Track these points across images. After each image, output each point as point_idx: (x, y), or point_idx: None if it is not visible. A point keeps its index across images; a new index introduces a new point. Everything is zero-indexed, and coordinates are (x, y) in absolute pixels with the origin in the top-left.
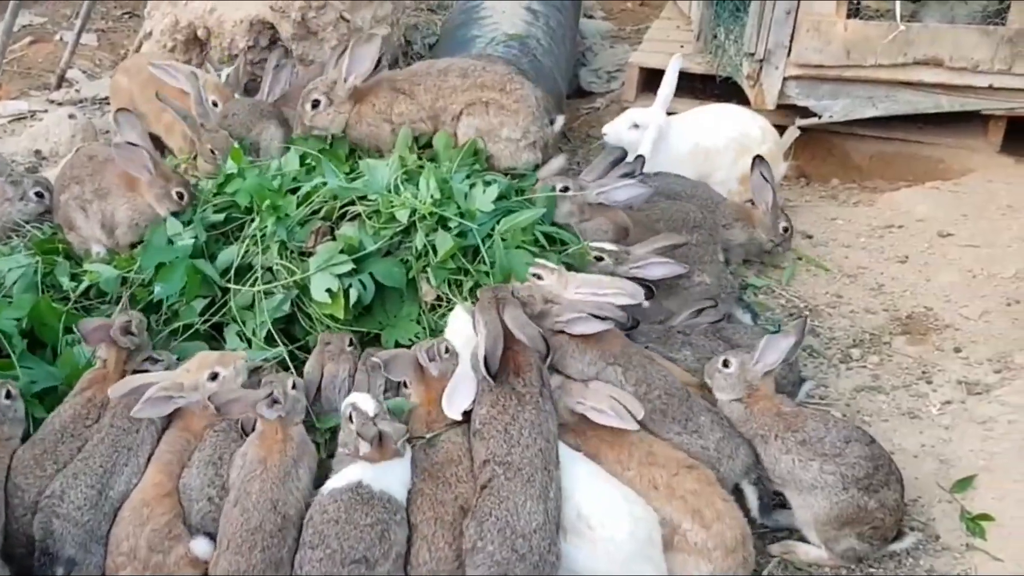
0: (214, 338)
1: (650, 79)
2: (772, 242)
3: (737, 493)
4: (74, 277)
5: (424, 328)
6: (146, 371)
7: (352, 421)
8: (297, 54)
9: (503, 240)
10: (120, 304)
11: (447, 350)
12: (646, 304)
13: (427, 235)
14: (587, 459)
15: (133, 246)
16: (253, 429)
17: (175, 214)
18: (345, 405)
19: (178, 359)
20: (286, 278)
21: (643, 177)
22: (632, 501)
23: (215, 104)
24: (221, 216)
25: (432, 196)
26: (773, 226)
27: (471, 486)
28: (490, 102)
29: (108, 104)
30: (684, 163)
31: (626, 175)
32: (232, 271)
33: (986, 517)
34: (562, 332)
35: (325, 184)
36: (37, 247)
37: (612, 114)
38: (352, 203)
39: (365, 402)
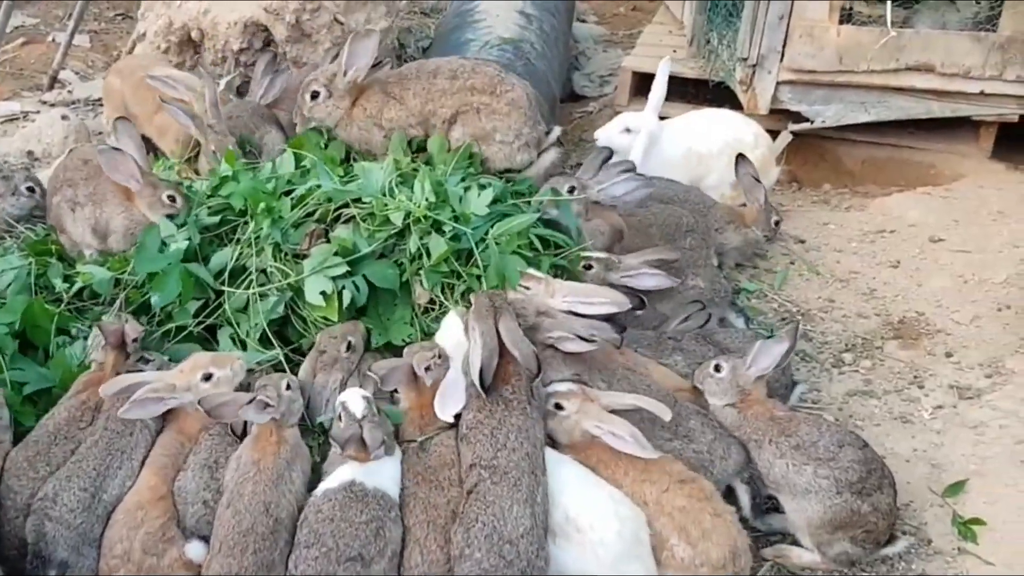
0: (207, 340)
1: (643, 83)
2: (767, 236)
3: (730, 493)
4: (67, 279)
5: (417, 330)
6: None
7: (341, 420)
8: (291, 56)
9: (497, 244)
10: (115, 307)
11: (439, 356)
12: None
13: (421, 238)
14: (573, 462)
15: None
16: (245, 432)
17: (169, 217)
18: (338, 402)
19: (169, 360)
20: (280, 280)
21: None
22: (618, 501)
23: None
24: (216, 219)
25: (427, 199)
26: (766, 221)
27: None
28: (481, 107)
29: (101, 105)
30: (677, 167)
31: (626, 171)
32: (226, 273)
33: (978, 521)
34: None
35: (319, 187)
36: (30, 248)
37: (605, 118)
38: (346, 206)
39: (355, 403)
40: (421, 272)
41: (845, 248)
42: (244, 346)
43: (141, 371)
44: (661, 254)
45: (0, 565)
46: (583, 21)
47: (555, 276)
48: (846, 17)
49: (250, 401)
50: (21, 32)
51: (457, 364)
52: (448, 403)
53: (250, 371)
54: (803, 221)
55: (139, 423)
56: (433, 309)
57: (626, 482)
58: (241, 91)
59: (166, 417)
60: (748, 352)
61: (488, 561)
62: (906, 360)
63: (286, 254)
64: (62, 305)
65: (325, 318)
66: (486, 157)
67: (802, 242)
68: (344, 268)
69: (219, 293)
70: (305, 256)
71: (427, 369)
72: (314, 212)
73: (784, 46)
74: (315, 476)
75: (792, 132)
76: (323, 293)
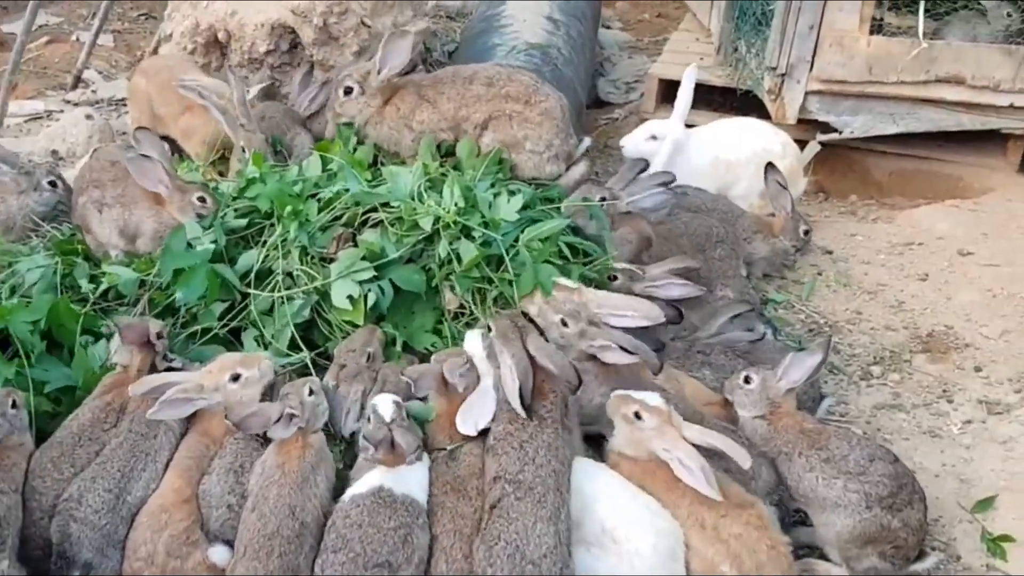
0: (232, 343)
1: (670, 91)
2: (795, 247)
3: None
4: (92, 279)
5: (446, 337)
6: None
7: (370, 423)
8: (318, 59)
9: (529, 251)
10: (138, 307)
11: (467, 363)
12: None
13: (451, 243)
14: (610, 471)
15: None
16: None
17: (199, 218)
18: (369, 405)
19: (192, 362)
20: (307, 283)
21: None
22: (656, 513)
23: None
24: (243, 221)
25: (456, 204)
26: (795, 231)
27: None
28: (513, 114)
29: (124, 105)
30: (704, 176)
31: (662, 184)
32: (252, 276)
33: (1007, 538)
34: (592, 357)
35: (347, 190)
36: (56, 248)
37: (630, 125)
38: (374, 210)
39: (385, 406)
40: (452, 277)
41: (873, 260)
42: (267, 349)
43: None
44: (684, 263)
45: (24, 565)
46: (608, 27)
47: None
48: (876, 27)
49: (278, 419)
50: (45, 31)
51: (488, 381)
52: (473, 418)
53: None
54: (830, 232)
55: (163, 425)
56: (463, 314)
57: (684, 503)
58: (269, 94)
59: (190, 419)
60: (779, 364)
61: None
62: (935, 374)
63: (312, 257)
64: (87, 305)
65: (350, 322)
66: (515, 165)
67: (829, 253)
68: (371, 272)
69: (244, 295)
70: (332, 260)
71: (459, 375)
72: (341, 216)
73: (814, 56)
74: (339, 483)
75: (820, 142)
76: (349, 297)
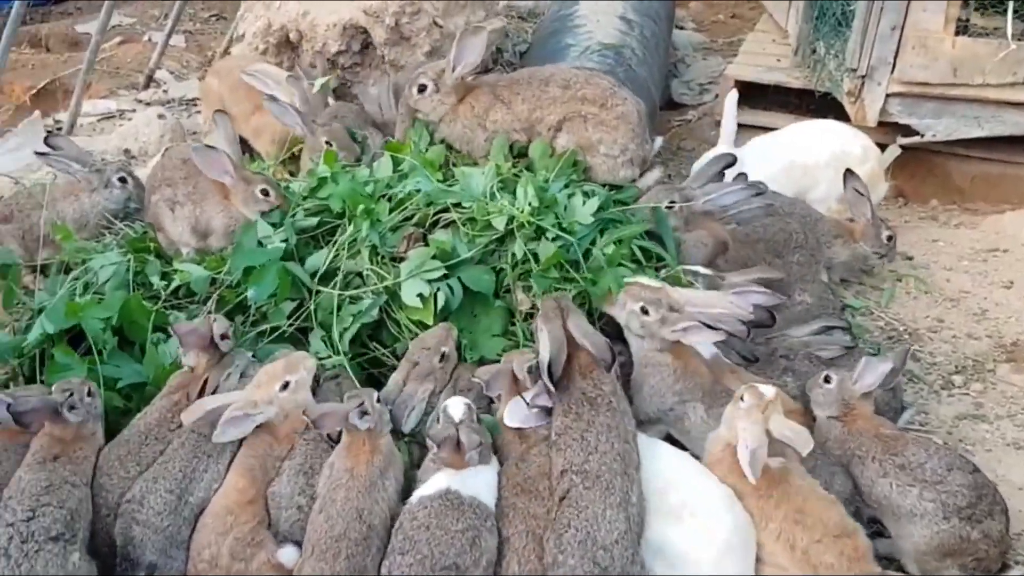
0: (299, 341)
1: (746, 92)
2: (877, 253)
3: None
4: (164, 276)
5: (514, 341)
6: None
7: (439, 423)
8: (389, 59)
9: (604, 254)
10: (207, 305)
11: (535, 359)
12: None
13: (526, 243)
14: (691, 457)
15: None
16: (339, 439)
17: (265, 213)
18: (440, 407)
19: (254, 357)
20: (376, 283)
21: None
22: (735, 500)
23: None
24: (313, 220)
25: (530, 204)
26: (876, 236)
27: None
28: (589, 116)
29: (195, 104)
30: (780, 180)
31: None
32: (319, 274)
33: None
34: (666, 352)
35: (419, 190)
36: (129, 245)
37: (704, 127)
38: (446, 210)
39: (456, 407)
40: (525, 277)
41: (955, 266)
42: (335, 349)
43: (230, 375)
44: (767, 273)
45: (94, 558)
46: (681, 28)
47: None
48: (962, 28)
49: (356, 407)
50: (118, 31)
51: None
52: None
53: (335, 377)
54: (911, 237)
55: None
56: (533, 316)
57: (776, 516)
58: (339, 95)
59: None
60: (855, 368)
61: (582, 568)
62: (1019, 384)
63: (383, 257)
64: (159, 302)
65: (419, 322)
66: (589, 167)
67: (910, 259)
68: (441, 271)
69: (313, 294)
70: (401, 259)
71: (528, 372)
72: (412, 216)
73: (895, 57)
74: (407, 483)
75: (901, 146)
76: (420, 296)
